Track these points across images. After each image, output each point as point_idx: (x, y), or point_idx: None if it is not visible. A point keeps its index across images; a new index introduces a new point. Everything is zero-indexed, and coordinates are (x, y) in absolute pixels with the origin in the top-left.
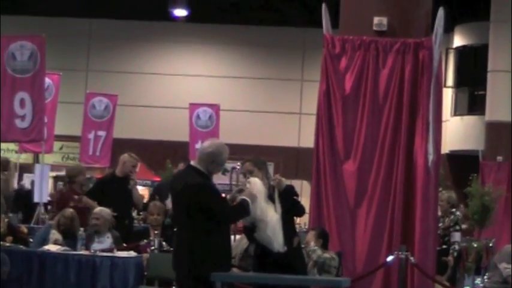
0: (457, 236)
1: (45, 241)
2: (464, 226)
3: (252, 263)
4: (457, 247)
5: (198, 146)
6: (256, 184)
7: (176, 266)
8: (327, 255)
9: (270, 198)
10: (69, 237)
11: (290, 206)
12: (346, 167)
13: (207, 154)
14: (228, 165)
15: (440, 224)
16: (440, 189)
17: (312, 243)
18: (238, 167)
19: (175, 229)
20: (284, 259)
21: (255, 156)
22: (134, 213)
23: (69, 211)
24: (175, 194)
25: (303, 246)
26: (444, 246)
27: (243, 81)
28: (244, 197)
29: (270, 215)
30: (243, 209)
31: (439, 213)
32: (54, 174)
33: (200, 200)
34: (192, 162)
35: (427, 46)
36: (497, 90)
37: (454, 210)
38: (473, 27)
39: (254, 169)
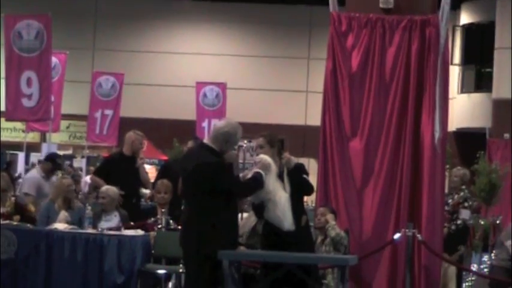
0: (464, 213)
1: (49, 218)
2: (470, 203)
3: (259, 241)
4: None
5: (204, 124)
6: (265, 159)
7: (184, 243)
8: (343, 233)
9: (280, 176)
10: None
11: (299, 185)
12: (352, 144)
13: (222, 134)
14: None
15: (449, 201)
16: (447, 166)
17: (332, 221)
18: (245, 145)
19: (182, 207)
20: (292, 237)
21: (271, 132)
22: (147, 191)
23: (64, 182)
24: (187, 172)
25: (311, 224)
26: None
27: (250, 60)
28: (257, 170)
29: (279, 195)
30: (257, 181)
31: (454, 189)
32: (61, 153)
33: (214, 178)
34: (205, 141)
35: (433, 23)
36: (504, 68)
37: (463, 187)
38: (480, 5)
39: (265, 145)
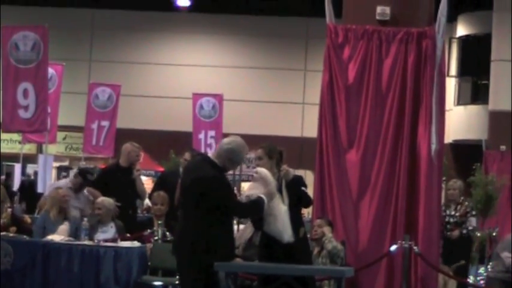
0: (474, 221)
1: (45, 229)
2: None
3: (257, 253)
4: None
5: (201, 135)
6: (265, 176)
7: (177, 254)
8: (339, 246)
9: (278, 188)
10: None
11: (297, 197)
12: (349, 156)
13: (225, 150)
14: None
15: (453, 212)
16: (444, 178)
17: (329, 233)
18: None
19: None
20: (290, 249)
21: (270, 144)
22: (146, 201)
23: (59, 192)
24: (187, 184)
25: (308, 235)
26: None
27: (246, 71)
28: (261, 195)
29: (278, 208)
30: (257, 207)
31: (453, 202)
32: (57, 164)
33: (212, 193)
34: (209, 155)
35: (430, 35)
36: (500, 80)
37: (462, 198)
38: (476, 17)
39: (264, 157)
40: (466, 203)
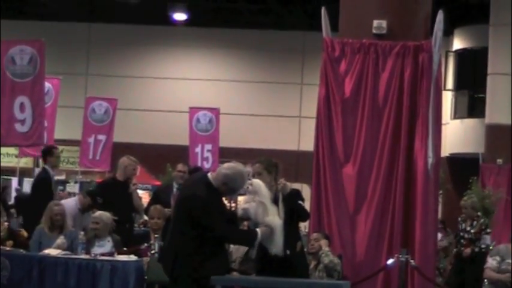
0: (488, 239)
1: (41, 244)
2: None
3: (253, 267)
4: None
5: (198, 149)
6: (259, 188)
7: (169, 271)
8: (336, 260)
9: (275, 202)
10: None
11: (294, 211)
12: (345, 170)
13: (222, 174)
14: None
15: (468, 228)
16: (440, 192)
17: (325, 247)
18: None
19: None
20: (287, 263)
21: (267, 158)
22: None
23: (59, 208)
24: (180, 199)
25: (305, 249)
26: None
27: (243, 85)
28: (258, 230)
29: (273, 220)
30: (248, 239)
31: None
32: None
33: (200, 215)
34: (209, 175)
35: (426, 49)
36: (497, 93)
37: (479, 214)
38: (472, 30)
39: (263, 172)
40: (482, 220)
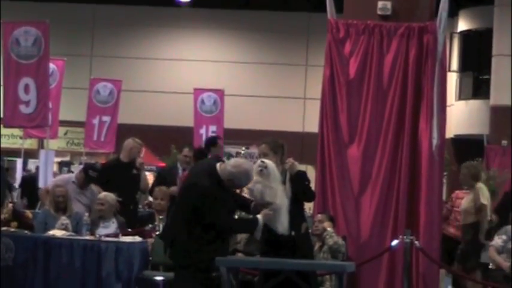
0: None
1: (46, 225)
2: None
3: (258, 248)
4: None
5: (202, 131)
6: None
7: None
8: (341, 241)
9: (282, 181)
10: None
11: (301, 191)
12: (350, 151)
13: (228, 172)
14: (233, 149)
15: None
16: (445, 173)
17: (330, 229)
18: (243, 152)
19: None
20: (292, 244)
21: (273, 139)
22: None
23: (60, 190)
24: (185, 185)
25: (310, 230)
26: None
27: (248, 66)
28: (259, 217)
29: (280, 201)
30: (249, 228)
31: None
32: (59, 159)
33: (202, 205)
34: (218, 166)
35: (431, 30)
36: (501, 75)
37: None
38: (477, 12)
39: (269, 152)
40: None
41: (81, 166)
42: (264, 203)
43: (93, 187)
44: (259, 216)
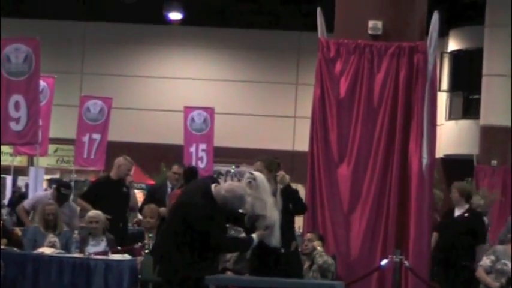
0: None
1: (36, 242)
2: None
3: (247, 266)
4: None
5: (192, 149)
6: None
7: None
8: (330, 260)
9: (273, 193)
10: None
11: (291, 203)
12: (340, 170)
13: (222, 196)
14: (223, 168)
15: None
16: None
17: (319, 248)
18: (232, 171)
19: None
20: (281, 262)
21: (268, 157)
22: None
23: (50, 208)
24: (178, 204)
25: (299, 249)
26: None
27: (238, 85)
28: (254, 236)
29: (272, 216)
30: (242, 247)
31: None
32: (48, 177)
33: (196, 223)
34: (213, 187)
35: (421, 50)
36: (492, 95)
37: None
38: (468, 31)
39: (264, 170)
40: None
41: (72, 183)
42: (255, 216)
43: (72, 203)
44: (254, 235)
